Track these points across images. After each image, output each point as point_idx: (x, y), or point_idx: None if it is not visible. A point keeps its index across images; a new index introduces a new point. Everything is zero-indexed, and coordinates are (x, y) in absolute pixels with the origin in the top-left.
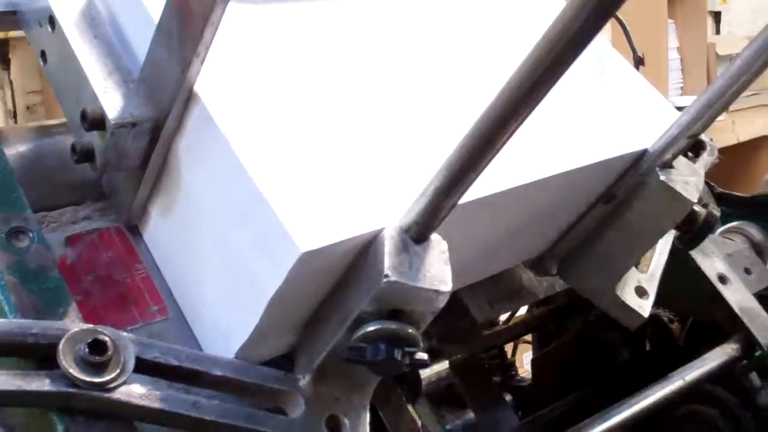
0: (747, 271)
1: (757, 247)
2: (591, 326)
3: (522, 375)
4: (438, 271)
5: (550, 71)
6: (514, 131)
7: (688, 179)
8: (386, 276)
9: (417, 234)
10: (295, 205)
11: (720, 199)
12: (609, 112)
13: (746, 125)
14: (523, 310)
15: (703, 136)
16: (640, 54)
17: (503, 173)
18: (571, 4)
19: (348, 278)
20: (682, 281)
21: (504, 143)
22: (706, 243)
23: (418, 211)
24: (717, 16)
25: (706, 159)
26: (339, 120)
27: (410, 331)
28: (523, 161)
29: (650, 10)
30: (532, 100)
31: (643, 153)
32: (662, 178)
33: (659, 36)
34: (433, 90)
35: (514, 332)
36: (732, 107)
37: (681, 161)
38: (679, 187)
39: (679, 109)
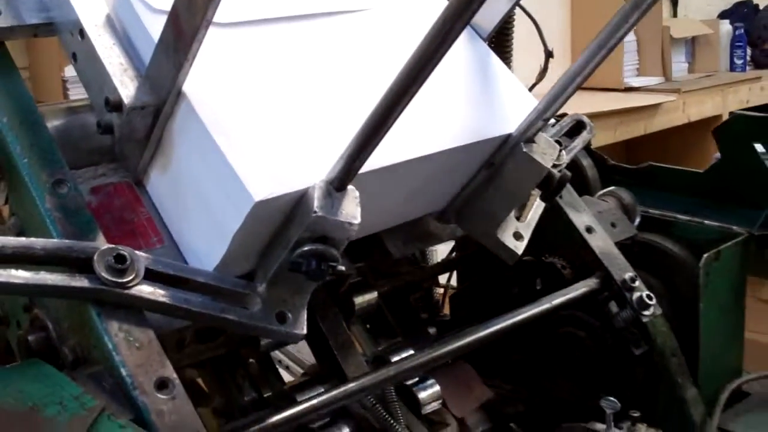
0: (613, 225)
1: (625, 208)
2: (495, 268)
3: (445, 312)
4: (351, 210)
5: (416, 77)
6: (398, 114)
7: (546, 151)
8: (315, 212)
9: (337, 185)
10: (252, 167)
11: (613, 169)
12: (484, 105)
13: (697, 105)
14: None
15: (584, 118)
16: (550, 48)
17: (401, 148)
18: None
19: (290, 216)
20: (560, 232)
21: (393, 122)
22: (580, 202)
23: (338, 169)
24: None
25: (585, 136)
26: (283, 108)
27: (333, 251)
28: (415, 141)
29: None
30: (407, 93)
31: (510, 134)
32: (525, 150)
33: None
34: (352, 88)
35: (431, 272)
36: (684, 89)
37: (541, 137)
38: (537, 157)
39: (635, 88)
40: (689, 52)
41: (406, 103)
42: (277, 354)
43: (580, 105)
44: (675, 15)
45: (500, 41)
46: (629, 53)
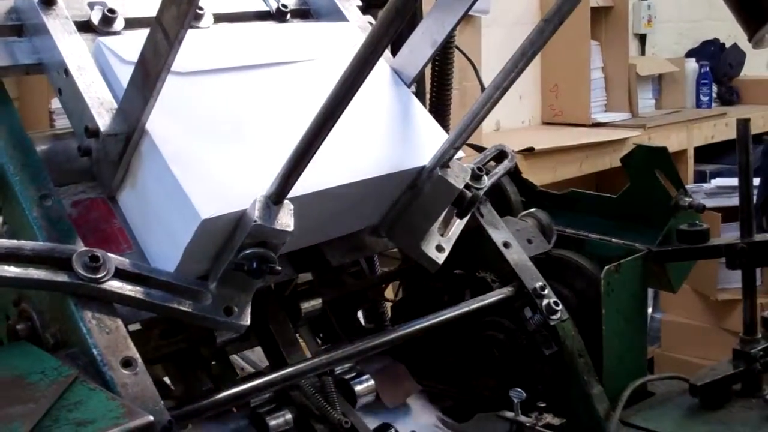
0: (529, 241)
1: (543, 227)
2: (430, 280)
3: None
4: (286, 220)
5: (334, 110)
6: (323, 140)
7: (459, 174)
8: (255, 221)
9: (275, 199)
10: (200, 190)
11: (542, 195)
12: (403, 140)
13: (662, 140)
14: None
15: (507, 148)
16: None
17: (333, 176)
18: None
19: (236, 227)
20: (482, 247)
21: (318, 147)
22: (500, 221)
23: (275, 186)
24: (642, 38)
25: (506, 164)
26: (230, 142)
27: (270, 254)
28: (344, 170)
29: (574, 33)
30: (329, 121)
31: (424, 166)
32: (440, 174)
33: (582, 57)
34: (290, 125)
35: (373, 282)
36: (649, 124)
37: (455, 163)
38: (450, 180)
39: (602, 124)
40: (656, 89)
41: (329, 130)
42: (239, 361)
43: (549, 139)
44: (643, 53)
45: (441, 82)
46: (597, 90)
